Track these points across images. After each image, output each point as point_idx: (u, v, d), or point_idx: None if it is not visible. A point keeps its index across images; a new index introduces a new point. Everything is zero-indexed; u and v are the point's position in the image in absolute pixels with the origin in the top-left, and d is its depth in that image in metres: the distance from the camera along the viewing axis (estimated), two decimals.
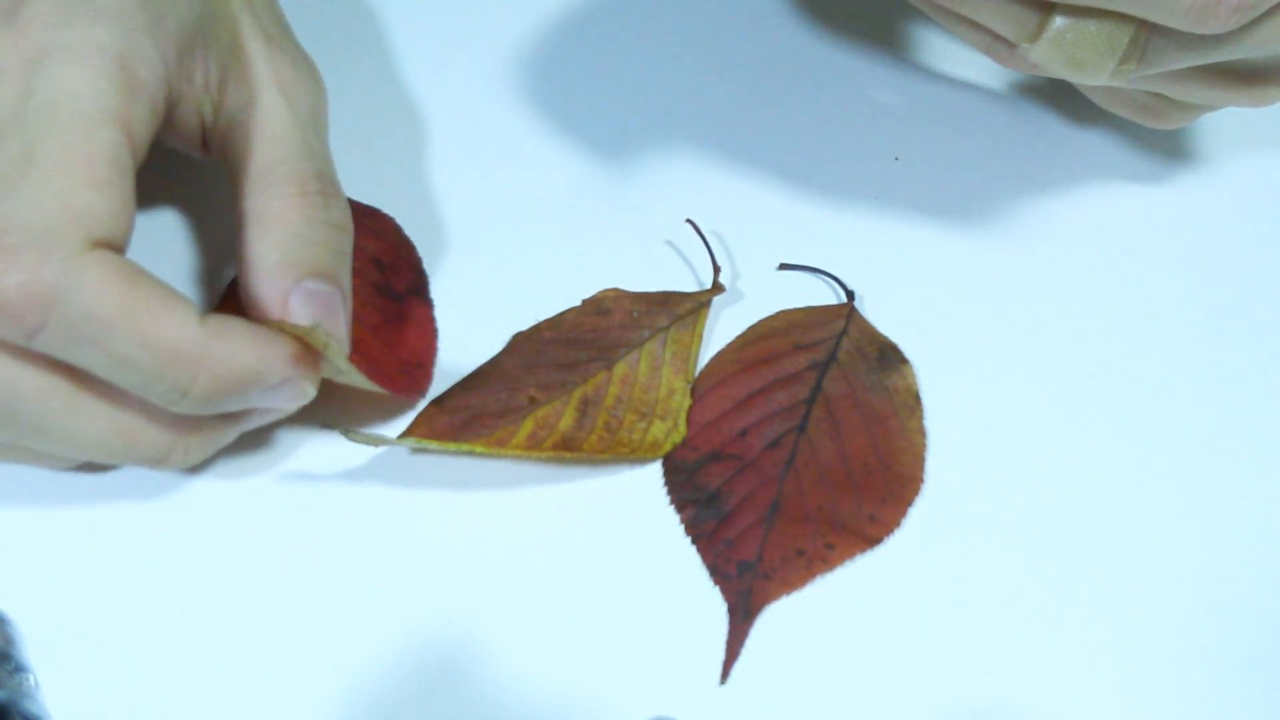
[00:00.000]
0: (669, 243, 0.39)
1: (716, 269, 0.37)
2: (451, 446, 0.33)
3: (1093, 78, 0.32)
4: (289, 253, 0.31)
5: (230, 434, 0.32)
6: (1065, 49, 0.31)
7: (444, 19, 0.43)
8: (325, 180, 0.33)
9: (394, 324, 0.36)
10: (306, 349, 0.30)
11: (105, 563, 0.32)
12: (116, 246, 0.29)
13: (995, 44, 0.33)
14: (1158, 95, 0.37)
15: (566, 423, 0.34)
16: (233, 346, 0.29)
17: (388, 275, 0.37)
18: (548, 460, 0.34)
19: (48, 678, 0.30)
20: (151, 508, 0.33)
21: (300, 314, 0.31)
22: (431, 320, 0.37)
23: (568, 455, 0.33)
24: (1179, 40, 0.32)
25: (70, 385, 0.29)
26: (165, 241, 0.38)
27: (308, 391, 0.31)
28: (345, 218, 0.33)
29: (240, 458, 0.34)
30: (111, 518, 0.33)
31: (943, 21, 0.34)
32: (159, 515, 0.33)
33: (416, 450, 0.34)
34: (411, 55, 0.42)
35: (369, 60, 0.42)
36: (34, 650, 0.23)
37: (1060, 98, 0.42)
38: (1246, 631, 0.33)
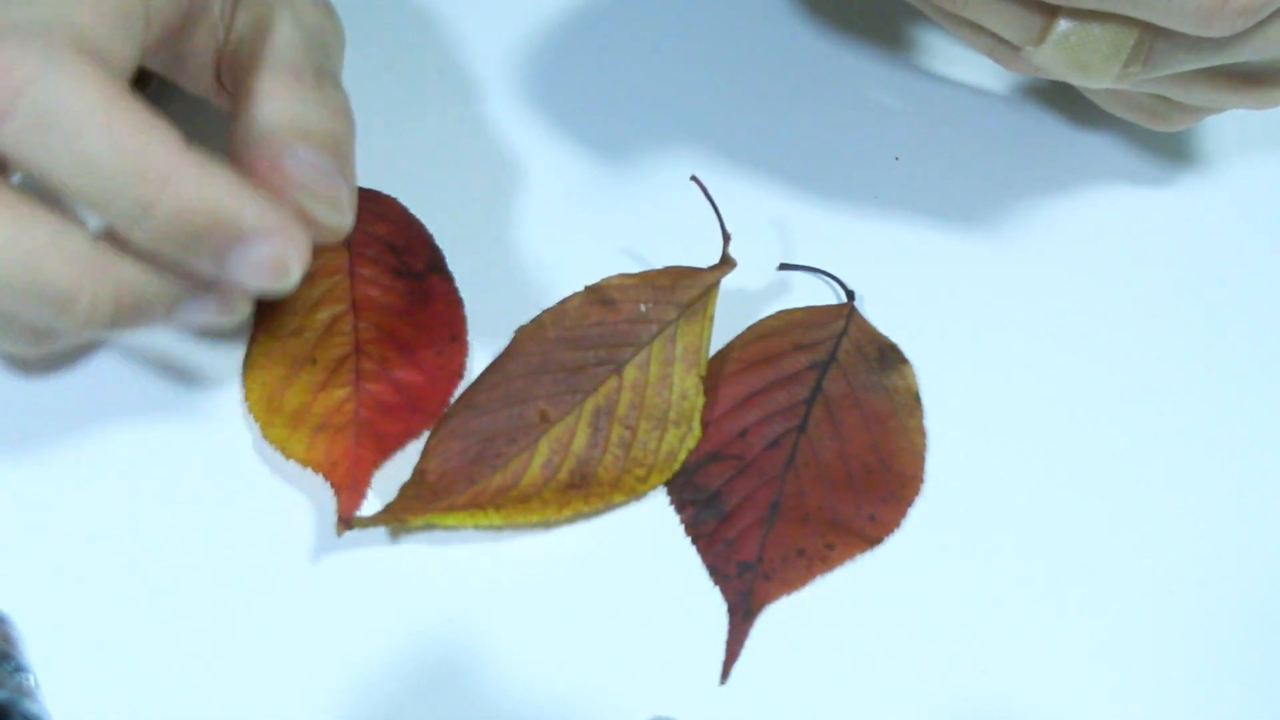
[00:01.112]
0: (668, 241, 0.39)
1: (726, 237, 0.37)
2: (468, 520, 0.32)
3: (1097, 81, 0.32)
4: (281, 120, 0.29)
5: (151, 307, 0.28)
6: (1069, 52, 0.31)
7: (441, 14, 0.43)
8: (324, 75, 0.31)
9: (419, 304, 0.36)
10: (300, 219, 0.28)
11: (105, 563, 0.32)
12: (110, 69, 0.27)
13: (999, 47, 0.33)
14: (1161, 98, 0.37)
15: (580, 442, 0.34)
16: (213, 175, 0.27)
17: (403, 256, 0.37)
18: (568, 519, 0.33)
19: (48, 678, 0.30)
20: (152, 507, 0.33)
21: (295, 177, 0.29)
22: (455, 292, 0.37)
23: (584, 509, 0.33)
24: (1184, 43, 0.31)
25: None
26: None
27: (290, 269, 0.28)
28: (346, 107, 0.31)
29: (242, 460, 0.34)
30: (112, 518, 0.33)
31: (945, 24, 0.33)
32: (159, 514, 0.33)
33: (425, 526, 0.33)
34: (408, 52, 0.42)
35: (365, 53, 0.42)
36: (34, 650, 0.23)
37: (1061, 99, 0.42)
38: (1247, 631, 0.33)
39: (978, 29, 0.33)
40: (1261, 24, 0.31)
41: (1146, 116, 0.38)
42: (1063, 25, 0.31)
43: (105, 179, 0.26)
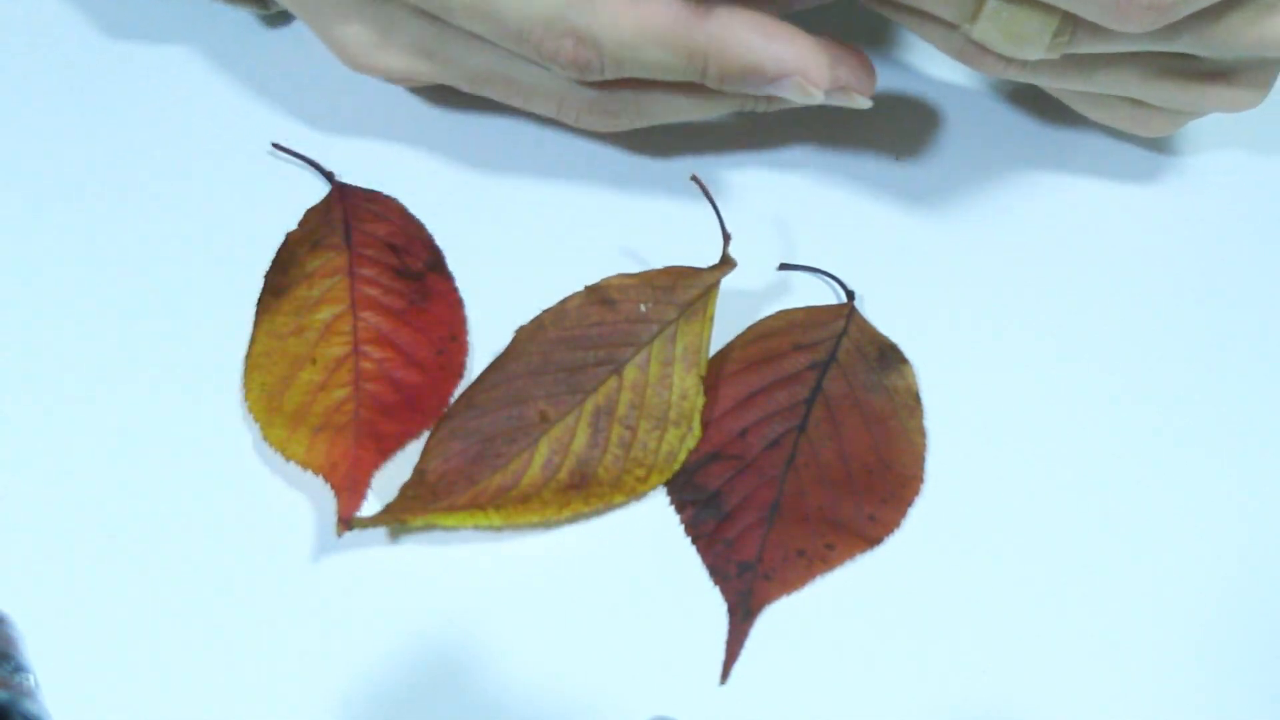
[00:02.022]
0: (668, 241, 0.39)
1: (726, 237, 0.37)
2: (468, 520, 0.32)
3: (1032, 53, 0.33)
4: None
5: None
6: (1002, 25, 0.33)
7: None
8: None
9: (419, 304, 0.36)
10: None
11: (105, 563, 0.32)
12: None
13: (944, 33, 0.34)
14: (1138, 102, 0.37)
15: (580, 442, 0.34)
16: (738, 40, 0.33)
17: (402, 256, 0.37)
18: (568, 520, 0.33)
19: (48, 678, 0.30)
20: (152, 507, 0.33)
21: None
22: (455, 292, 0.37)
23: (584, 509, 0.33)
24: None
25: None
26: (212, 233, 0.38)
27: (811, 91, 0.34)
28: None
29: (242, 461, 0.34)
30: (112, 517, 0.33)
31: (893, 16, 0.34)
32: (159, 513, 0.33)
33: (425, 527, 0.33)
34: None
35: None
36: (34, 650, 0.23)
37: (1061, 101, 0.42)
38: (1247, 631, 0.33)
39: (922, 16, 0.34)
40: (1197, 18, 0.32)
41: (1130, 124, 0.38)
42: (991, 3, 0.33)
43: (672, 71, 0.34)
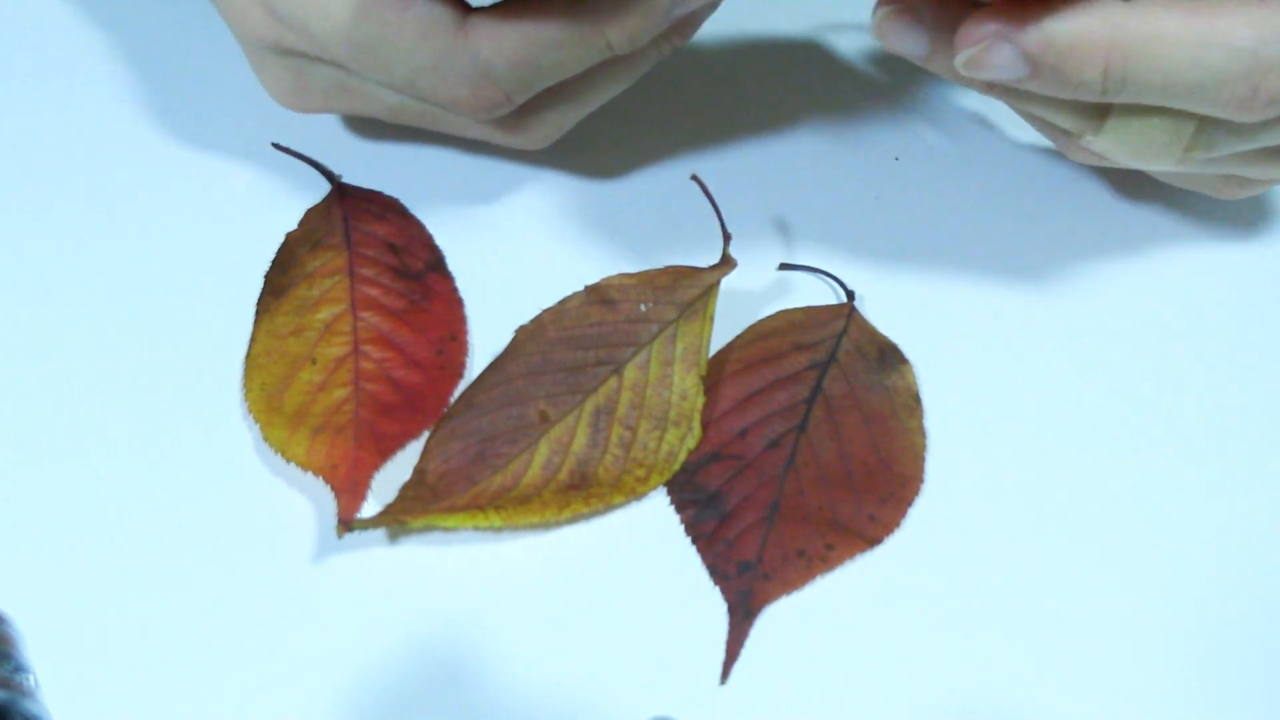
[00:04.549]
0: (668, 241, 0.39)
1: (726, 237, 0.37)
2: (468, 521, 0.32)
3: (1159, 165, 0.31)
4: None
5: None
6: (1128, 140, 0.30)
7: None
8: None
9: (420, 305, 0.36)
10: None
11: (106, 563, 0.32)
12: None
13: (1060, 135, 0.32)
14: (1229, 176, 0.36)
15: (580, 442, 0.34)
16: None
17: (403, 256, 0.37)
18: (568, 520, 0.33)
19: (48, 678, 0.30)
20: (152, 507, 0.33)
21: None
22: (455, 292, 0.37)
23: (584, 509, 0.33)
24: (1240, 128, 0.30)
25: None
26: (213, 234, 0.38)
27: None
28: None
29: (243, 462, 0.34)
30: (113, 518, 0.33)
31: (1010, 106, 0.33)
32: (160, 514, 0.33)
33: (425, 528, 0.33)
34: None
35: None
36: (34, 650, 0.23)
37: None
38: (1244, 633, 0.33)
39: (1038, 118, 0.33)
40: None
41: (1215, 190, 0.37)
42: (1115, 118, 0.30)
43: (579, 63, 0.32)
